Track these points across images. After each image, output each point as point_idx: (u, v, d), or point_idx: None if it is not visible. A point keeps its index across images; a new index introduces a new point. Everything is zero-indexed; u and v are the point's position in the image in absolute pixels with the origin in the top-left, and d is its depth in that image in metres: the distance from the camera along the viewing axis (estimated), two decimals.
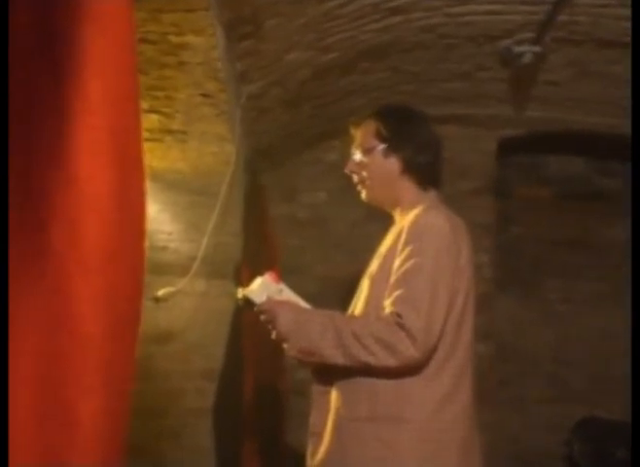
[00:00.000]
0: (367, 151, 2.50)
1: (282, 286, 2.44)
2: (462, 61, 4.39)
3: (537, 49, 4.06)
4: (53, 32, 1.62)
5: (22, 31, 1.60)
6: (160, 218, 4.07)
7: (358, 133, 2.56)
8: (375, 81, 4.53)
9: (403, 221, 2.39)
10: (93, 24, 1.64)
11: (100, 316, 1.61)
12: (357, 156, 2.53)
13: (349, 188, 2.65)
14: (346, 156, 2.59)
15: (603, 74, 4.37)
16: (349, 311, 2.49)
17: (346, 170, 2.57)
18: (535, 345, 6.05)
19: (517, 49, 4.09)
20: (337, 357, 2.23)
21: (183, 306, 4.37)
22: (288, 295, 2.44)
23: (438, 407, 2.24)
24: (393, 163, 2.47)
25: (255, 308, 2.39)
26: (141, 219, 1.79)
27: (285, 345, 2.34)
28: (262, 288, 2.40)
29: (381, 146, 2.47)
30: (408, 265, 2.23)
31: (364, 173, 2.51)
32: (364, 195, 2.55)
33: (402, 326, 2.15)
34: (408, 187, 2.48)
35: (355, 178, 2.56)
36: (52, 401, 1.56)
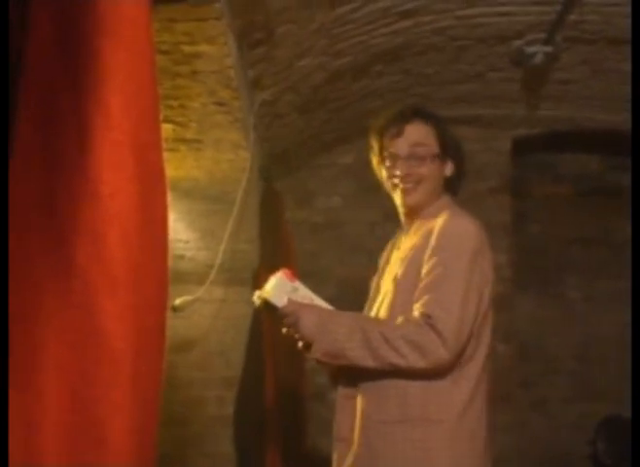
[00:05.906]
0: (431, 155, 2.41)
1: (297, 284, 2.39)
2: (474, 63, 4.39)
3: (548, 49, 4.06)
4: (74, 47, 1.62)
5: (43, 46, 1.61)
6: (176, 227, 4.09)
7: (411, 131, 2.43)
8: (389, 84, 4.54)
9: (427, 225, 2.36)
10: (114, 38, 1.64)
11: (127, 331, 1.61)
12: (418, 154, 2.41)
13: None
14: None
15: (615, 71, 4.36)
16: (363, 313, 2.47)
17: (400, 169, 2.42)
18: (557, 345, 6.03)
19: (529, 49, 4.10)
20: (365, 359, 2.20)
21: (202, 314, 4.38)
22: (304, 292, 2.38)
23: (466, 406, 2.24)
24: (445, 170, 2.45)
25: (277, 312, 2.33)
26: (164, 233, 1.79)
27: (309, 348, 2.29)
28: (278, 289, 2.34)
29: (440, 152, 2.43)
30: (439, 270, 2.21)
31: (422, 175, 2.41)
32: (411, 197, 2.42)
33: (433, 327, 2.14)
34: (440, 192, 2.46)
35: (404, 179, 2.42)
36: (81, 417, 1.55)
